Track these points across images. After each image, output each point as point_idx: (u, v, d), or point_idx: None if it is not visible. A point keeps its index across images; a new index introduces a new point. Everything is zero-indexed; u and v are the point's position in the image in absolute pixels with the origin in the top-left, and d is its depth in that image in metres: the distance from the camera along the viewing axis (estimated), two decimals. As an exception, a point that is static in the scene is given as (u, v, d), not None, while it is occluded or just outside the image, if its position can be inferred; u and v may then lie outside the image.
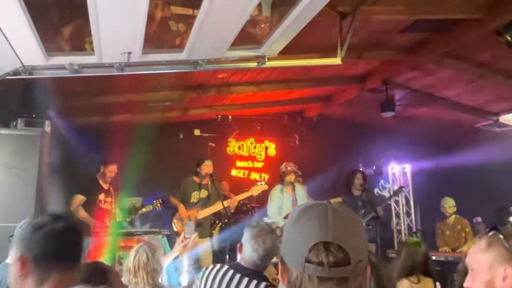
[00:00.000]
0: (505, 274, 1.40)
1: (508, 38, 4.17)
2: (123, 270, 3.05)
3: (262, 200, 6.64)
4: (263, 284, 2.33)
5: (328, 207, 1.04)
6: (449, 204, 6.44)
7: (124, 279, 2.89)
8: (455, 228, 6.39)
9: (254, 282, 2.34)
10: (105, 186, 5.94)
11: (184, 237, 3.75)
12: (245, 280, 2.34)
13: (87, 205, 5.61)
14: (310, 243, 0.98)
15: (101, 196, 5.81)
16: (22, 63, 3.52)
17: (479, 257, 1.48)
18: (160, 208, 6.22)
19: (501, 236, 1.44)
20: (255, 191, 6.31)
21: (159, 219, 6.55)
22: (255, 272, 2.42)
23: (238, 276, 2.37)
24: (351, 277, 0.98)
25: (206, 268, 2.51)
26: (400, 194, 8.14)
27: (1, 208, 4.18)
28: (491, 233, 1.49)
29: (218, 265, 2.50)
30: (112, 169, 5.95)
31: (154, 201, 6.20)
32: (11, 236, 2.81)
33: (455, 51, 5.43)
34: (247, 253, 2.45)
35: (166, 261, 3.55)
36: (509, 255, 1.41)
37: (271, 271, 2.87)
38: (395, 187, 8.65)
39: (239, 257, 2.51)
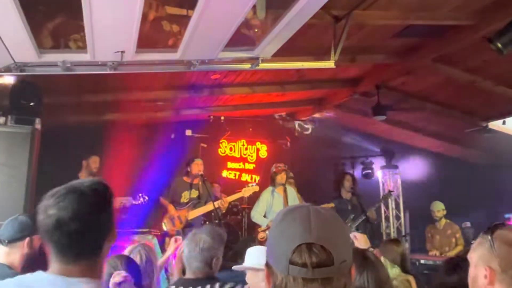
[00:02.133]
0: (485, 273, 1.45)
1: (499, 45, 4.22)
2: None
3: (253, 201, 6.64)
4: (217, 284, 2.34)
5: (310, 209, 1.05)
6: (437, 208, 6.49)
7: None
8: (445, 232, 6.44)
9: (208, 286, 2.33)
10: None
11: (176, 238, 3.70)
12: None
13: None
14: (293, 245, 0.99)
15: None
16: (13, 60, 3.48)
17: (470, 254, 1.54)
18: (145, 201, 6.09)
19: (489, 237, 1.48)
20: (246, 192, 6.30)
21: (149, 219, 6.52)
22: (207, 278, 2.40)
23: None
24: (335, 277, 0.99)
25: None
26: (389, 198, 8.19)
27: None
28: (483, 233, 1.53)
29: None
30: (95, 160, 5.88)
31: (138, 195, 6.05)
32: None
33: (447, 56, 5.48)
34: (187, 259, 2.42)
35: (161, 262, 3.51)
36: (490, 256, 1.45)
37: None
38: (385, 191, 8.72)
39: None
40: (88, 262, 1.36)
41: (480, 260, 1.48)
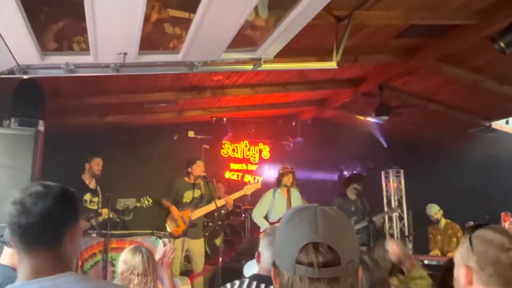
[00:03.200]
0: (464, 273, 1.44)
1: (502, 44, 4.21)
2: (117, 271, 2.99)
3: (256, 202, 6.64)
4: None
5: (318, 209, 1.06)
6: (434, 211, 6.50)
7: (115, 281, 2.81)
8: (446, 232, 6.44)
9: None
10: (92, 185, 5.88)
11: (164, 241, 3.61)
12: (262, 286, 2.31)
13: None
14: (300, 244, 0.99)
15: (87, 196, 5.76)
16: (17, 62, 3.49)
17: (455, 255, 1.53)
18: (148, 205, 6.09)
19: (468, 236, 1.47)
20: (248, 190, 6.31)
21: (153, 221, 6.53)
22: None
23: (254, 283, 2.34)
24: (341, 277, 0.99)
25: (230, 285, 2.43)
26: (396, 212, 8.22)
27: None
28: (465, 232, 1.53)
29: (238, 282, 2.42)
30: (98, 162, 5.89)
31: (142, 199, 6.02)
32: (1, 236, 2.80)
33: (450, 56, 5.47)
34: (266, 261, 2.39)
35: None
36: (468, 254, 1.44)
37: None
38: (388, 192, 8.71)
39: (257, 266, 2.47)
40: (52, 255, 1.39)
41: (460, 260, 1.46)
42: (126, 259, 2.84)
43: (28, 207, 1.37)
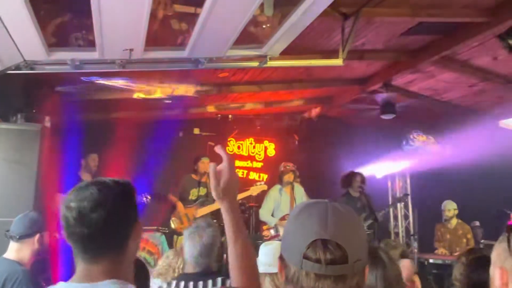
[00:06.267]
0: (500, 274, 1.41)
1: (510, 42, 4.17)
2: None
3: (260, 199, 6.64)
4: (219, 279, 2.36)
5: (328, 205, 1.05)
6: (449, 207, 6.44)
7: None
8: (456, 232, 6.40)
9: (210, 282, 2.34)
10: None
11: None
12: (200, 284, 2.33)
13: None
14: (309, 240, 0.99)
15: None
16: (23, 58, 3.51)
17: (492, 253, 1.51)
18: (148, 200, 6.12)
19: (507, 236, 1.45)
20: (254, 191, 6.31)
21: (157, 217, 6.54)
22: (205, 272, 2.41)
23: (182, 283, 2.35)
24: (348, 275, 0.99)
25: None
26: (404, 201, 8.14)
27: (0, 203, 4.18)
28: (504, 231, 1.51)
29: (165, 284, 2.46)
30: (94, 158, 5.89)
31: (141, 195, 6.07)
32: (7, 231, 2.82)
33: (457, 54, 5.43)
34: (187, 254, 2.42)
35: None
36: (506, 255, 1.41)
37: None
38: (394, 191, 8.68)
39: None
40: (112, 260, 1.28)
41: (497, 260, 1.44)
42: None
43: (87, 216, 1.23)
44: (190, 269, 2.45)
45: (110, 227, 1.26)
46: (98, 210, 1.24)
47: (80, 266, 1.27)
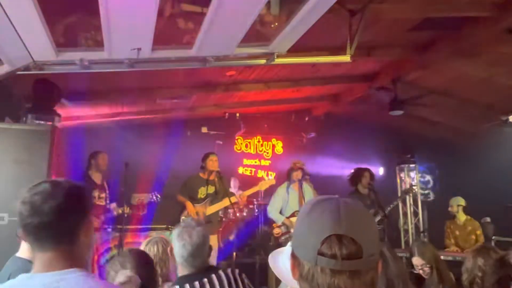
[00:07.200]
0: None
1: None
2: None
3: (269, 197, 6.64)
4: (214, 276, 2.33)
5: (340, 201, 1.05)
6: (452, 203, 6.40)
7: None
8: (465, 228, 6.34)
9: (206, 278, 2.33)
10: (98, 181, 5.79)
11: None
12: (196, 284, 2.29)
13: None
14: (323, 236, 0.98)
15: (95, 193, 5.65)
16: (32, 59, 3.54)
17: None
18: (157, 199, 6.18)
19: None
20: (263, 186, 6.31)
21: (167, 215, 6.58)
22: (200, 271, 2.36)
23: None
24: (363, 270, 0.99)
25: None
26: (410, 193, 8.09)
27: (11, 203, 4.21)
28: None
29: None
30: (103, 157, 5.81)
31: (151, 194, 6.18)
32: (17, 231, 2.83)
33: (465, 49, 5.38)
34: (177, 254, 2.37)
35: None
36: None
37: None
38: (403, 187, 8.63)
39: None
40: (65, 250, 1.39)
41: None
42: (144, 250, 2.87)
43: (38, 207, 1.35)
44: (185, 271, 2.38)
45: (60, 218, 1.36)
46: (49, 202, 1.35)
47: (36, 256, 1.38)
